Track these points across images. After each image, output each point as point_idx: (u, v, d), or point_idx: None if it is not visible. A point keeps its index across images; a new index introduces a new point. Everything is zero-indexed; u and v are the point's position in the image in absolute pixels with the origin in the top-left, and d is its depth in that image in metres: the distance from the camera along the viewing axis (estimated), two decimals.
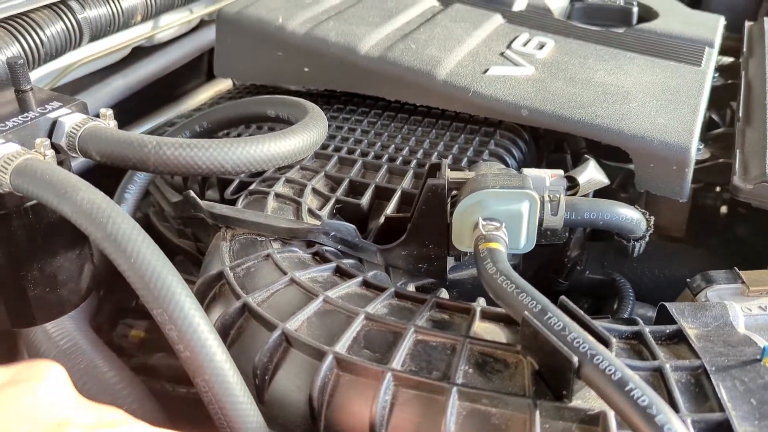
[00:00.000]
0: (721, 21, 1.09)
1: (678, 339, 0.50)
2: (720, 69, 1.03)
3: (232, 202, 0.70)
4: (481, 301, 0.54)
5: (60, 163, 0.58)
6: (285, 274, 0.56)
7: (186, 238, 0.85)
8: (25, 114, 0.58)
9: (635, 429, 0.38)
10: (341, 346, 0.48)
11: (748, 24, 1.12)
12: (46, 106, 0.59)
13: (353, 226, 0.64)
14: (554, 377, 0.44)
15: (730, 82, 1.00)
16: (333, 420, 0.47)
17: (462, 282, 0.69)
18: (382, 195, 0.73)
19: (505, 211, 0.57)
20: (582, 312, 0.46)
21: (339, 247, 0.63)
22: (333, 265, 0.59)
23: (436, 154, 0.80)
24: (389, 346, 0.48)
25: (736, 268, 0.58)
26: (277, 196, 0.70)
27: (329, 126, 0.73)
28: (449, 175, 0.62)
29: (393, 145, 0.82)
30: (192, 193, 0.65)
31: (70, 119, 0.58)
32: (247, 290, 0.55)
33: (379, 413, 0.45)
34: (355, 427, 0.46)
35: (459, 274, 0.69)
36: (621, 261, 0.84)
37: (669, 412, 0.38)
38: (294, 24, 0.92)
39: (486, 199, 0.57)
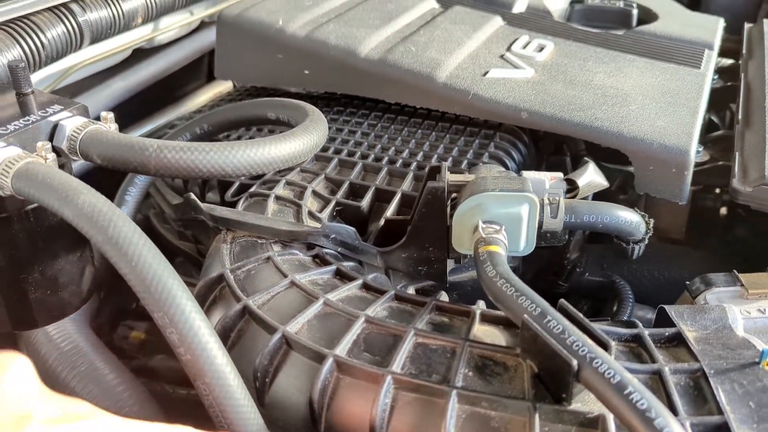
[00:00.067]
0: (721, 23, 1.09)
1: (677, 342, 0.50)
2: (719, 71, 1.04)
3: (233, 205, 0.70)
4: (481, 304, 0.54)
5: (61, 166, 0.58)
6: (285, 276, 0.56)
7: (186, 240, 0.86)
8: (27, 117, 0.58)
9: None
10: (341, 349, 0.48)
11: (747, 26, 1.12)
12: (47, 109, 0.59)
13: (353, 229, 0.64)
14: (554, 380, 0.44)
15: (729, 84, 1.00)
16: (333, 423, 0.47)
17: (462, 284, 0.69)
18: (382, 197, 0.73)
19: (505, 214, 0.58)
20: (581, 315, 0.46)
21: (339, 249, 0.63)
22: (333, 267, 0.59)
23: (435, 156, 0.80)
24: (389, 349, 0.49)
25: (735, 271, 0.59)
26: (278, 198, 0.70)
27: (329, 128, 0.73)
28: (449, 177, 0.62)
29: (393, 148, 0.82)
30: (192, 196, 0.65)
31: (71, 122, 0.58)
32: (247, 293, 0.55)
33: (379, 416, 0.45)
34: (356, 430, 0.46)
35: (459, 276, 0.69)
36: (620, 263, 0.84)
37: (668, 416, 0.38)
38: (294, 26, 0.92)
39: (486, 202, 0.57)
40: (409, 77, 0.85)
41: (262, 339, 0.51)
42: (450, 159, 0.79)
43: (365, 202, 0.71)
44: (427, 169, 0.65)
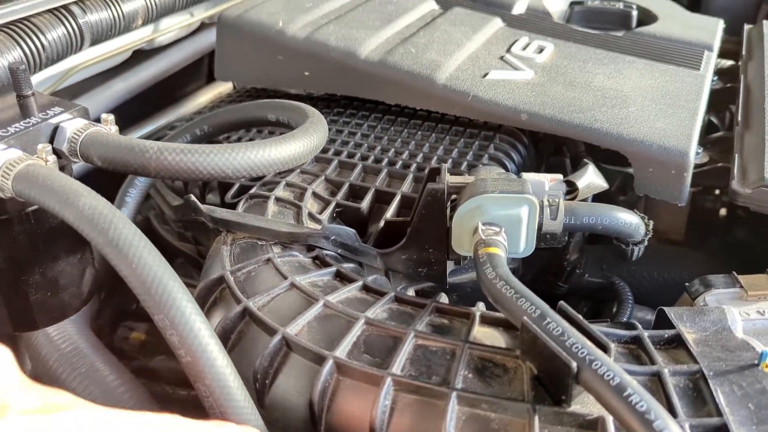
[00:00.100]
0: (720, 24, 1.09)
1: (676, 344, 0.50)
2: (719, 72, 1.04)
3: (233, 206, 0.71)
4: (481, 306, 0.54)
5: (61, 168, 0.58)
6: (285, 278, 0.57)
7: (186, 242, 0.86)
8: (27, 119, 0.58)
9: None
10: (341, 351, 0.48)
11: (747, 27, 1.12)
12: (48, 111, 0.59)
13: (353, 230, 0.64)
14: (553, 382, 0.44)
15: (729, 85, 1.00)
16: (333, 424, 0.47)
17: (461, 286, 0.69)
18: (382, 199, 0.73)
19: (505, 216, 0.58)
20: (581, 317, 0.46)
21: (339, 251, 0.63)
22: (333, 269, 0.59)
23: (435, 158, 0.80)
24: (389, 351, 0.49)
25: (734, 273, 0.59)
26: (278, 200, 0.70)
27: (329, 130, 0.73)
28: (449, 179, 0.62)
29: (393, 149, 0.82)
30: (193, 197, 0.65)
31: (71, 125, 0.58)
32: (247, 294, 0.55)
33: (379, 418, 0.45)
34: None
35: (459, 277, 0.69)
36: (620, 264, 0.84)
37: (667, 417, 0.38)
38: (294, 28, 0.92)
39: (485, 203, 0.58)
40: (408, 79, 0.85)
41: (263, 341, 0.51)
42: (450, 160, 0.79)
43: (365, 204, 0.71)
44: (426, 171, 0.65)
